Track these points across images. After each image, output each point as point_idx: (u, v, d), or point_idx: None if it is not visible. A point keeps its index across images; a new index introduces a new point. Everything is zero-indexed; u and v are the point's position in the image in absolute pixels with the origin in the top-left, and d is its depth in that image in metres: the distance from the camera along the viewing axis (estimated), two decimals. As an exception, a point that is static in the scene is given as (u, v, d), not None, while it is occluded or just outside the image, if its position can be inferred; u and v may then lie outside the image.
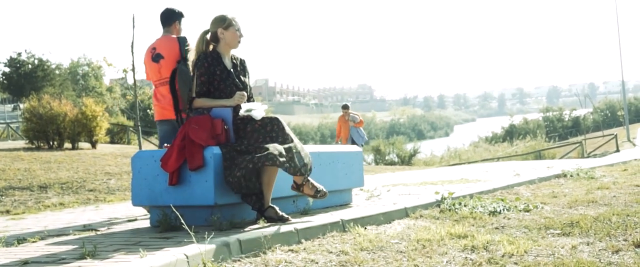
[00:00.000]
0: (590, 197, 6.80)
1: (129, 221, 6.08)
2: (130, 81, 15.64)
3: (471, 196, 6.99)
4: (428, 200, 6.47)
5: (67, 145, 15.79)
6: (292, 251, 4.24)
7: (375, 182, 10.45)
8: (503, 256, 3.99)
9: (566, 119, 72.93)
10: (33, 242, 4.79)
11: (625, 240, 4.34)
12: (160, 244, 4.21)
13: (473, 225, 5.27)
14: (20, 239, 4.86)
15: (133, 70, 14.54)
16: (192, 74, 5.39)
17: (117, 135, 26.41)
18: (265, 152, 4.92)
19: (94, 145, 16.38)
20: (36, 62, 53.02)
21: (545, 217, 5.52)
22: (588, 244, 4.28)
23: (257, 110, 5.17)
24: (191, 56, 5.43)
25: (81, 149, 15.59)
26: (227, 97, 5.30)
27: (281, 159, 4.91)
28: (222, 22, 5.38)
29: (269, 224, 4.93)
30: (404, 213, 5.86)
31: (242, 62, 5.61)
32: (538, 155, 32.01)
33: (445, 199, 6.47)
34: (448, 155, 40.24)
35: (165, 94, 6.42)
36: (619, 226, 4.82)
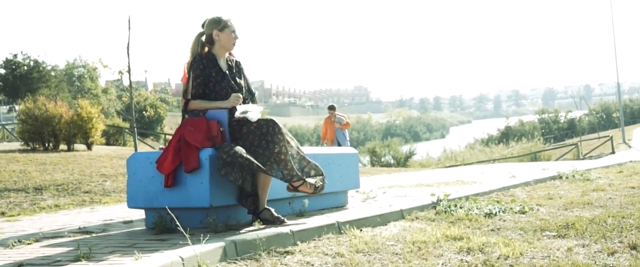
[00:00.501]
0: (586, 199, 6.81)
1: (125, 222, 6.07)
2: (126, 83, 15.66)
3: (467, 197, 7.00)
4: (424, 202, 6.48)
5: (63, 147, 15.77)
6: (287, 253, 4.23)
7: (371, 184, 10.45)
8: (499, 258, 3.99)
9: (562, 121, 73.07)
10: (28, 244, 4.78)
11: (620, 242, 4.34)
12: (156, 246, 4.20)
13: (469, 227, 5.28)
14: (15, 241, 4.84)
15: (129, 71, 14.55)
16: (186, 75, 5.39)
17: (112, 136, 26.40)
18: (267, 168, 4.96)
19: (89, 147, 16.36)
20: (32, 63, 52.93)
21: (541, 219, 5.52)
22: (584, 246, 4.28)
23: (253, 112, 5.17)
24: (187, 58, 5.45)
25: (77, 150, 15.57)
26: (223, 99, 5.30)
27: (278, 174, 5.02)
28: (217, 24, 5.37)
29: (264, 226, 4.93)
30: (400, 215, 5.86)
31: (238, 64, 5.61)
32: (534, 157, 32.08)
33: (441, 200, 6.47)
34: (444, 157, 40.29)
35: None
36: (615, 228, 4.83)
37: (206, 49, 5.43)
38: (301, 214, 5.71)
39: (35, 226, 6.18)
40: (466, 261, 3.95)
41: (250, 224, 5.03)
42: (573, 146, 34.59)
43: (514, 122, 66.14)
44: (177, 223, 4.50)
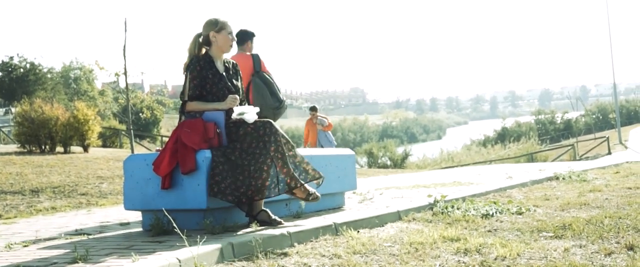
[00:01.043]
0: (583, 199, 6.81)
1: (121, 224, 6.06)
2: (123, 85, 15.68)
3: (464, 198, 7.00)
4: (421, 203, 6.48)
5: (59, 149, 15.74)
6: (284, 254, 4.23)
7: (368, 185, 10.45)
8: (496, 259, 3.99)
9: (558, 122, 73.11)
10: (25, 246, 4.77)
11: (617, 243, 4.35)
12: (153, 248, 4.20)
13: (466, 228, 5.28)
14: (12, 244, 4.84)
15: (125, 73, 14.59)
16: (184, 77, 5.39)
17: (109, 139, 26.38)
18: (259, 184, 4.95)
19: (86, 149, 16.33)
20: (28, 66, 52.81)
21: (538, 220, 5.53)
22: (580, 247, 4.29)
23: (250, 113, 5.17)
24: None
25: (73, 152, 15.54)
26: (220, 100, 5.30)
27: (273, 189, 5.04)
28: (214, 26, 5.38)
29: (261, 227, 4.93)
30: (397, 216, 5.87)
31: (235, 65, 5.62)
32: (530, 158, 32.13)
33: (437, 202, 6.47)
34: (441, 158, 40.32)
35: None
36: (612, 229, 4.83)
37: (203, 50, 5.43)
38: (298, 215, 5.72)
39: (32, 229, 6.17)
40: (463, 262, 3.96)
41: (247, 226, 5.03)
42: (569, 147, 34.65)
43: (510, 123, 66.19)
44: (174, 225, 4.50)
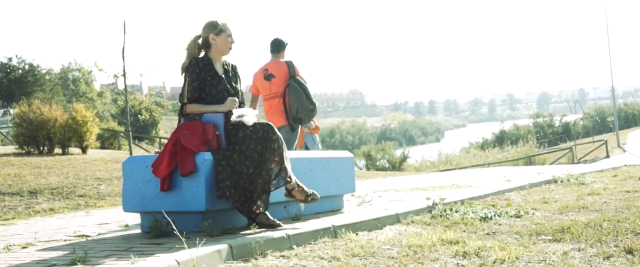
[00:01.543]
0: (581, 203, 6.82)
1: (120, 226, 6.06)
2: (121, 86, 15.66)
3: (462, 201, 7.00)
4: (419, 206, 6.48)
5: (58, 150, 15.73)
6: (283, 256, 4.24)
7: (367, 187, 10.45)
8: (494, 262, 3.99)
9: (556, 125, 73.16)
10: (23, 248, 4.77)
11: (616, 246, 4.35)
12: (152, 250, 4.20)
13: (464, 231, 5.28)
14: (11, 245, 4.83)
15: (124, 75, 14.56)
16: (183, 79, 5.40)
17: (107, 140, 26.35)
18: (259, 187, 5.00)
19: (84, 150, 16.32)
20: (26, 67, 52.81)
21: (536, 223, 5.53)
22: (579, 250, 4.29)
23: (249, 116, 5.17)
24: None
25: (71, 154, 15.54)
26: (219, 102, 5.30)
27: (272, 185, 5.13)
28: (214, 28, 5.38)
29: (260, 230, 4.93)
30: (396, 219, 5.87)
31: (234, 68, 5.62)
32: (528, 161, 32.14)
33: (436, 204, 6.47)
34: (439, 161, 40.34)
35: (274, 106, 7.96)
36: (610, 232, 4.83)
37: (203, 52, 5.44)
38: (297, 218, 5.72)
39: (31, 230, 6.17)
40: (462, 265, 3.96)
41: (246, 228, 5.03)
42: (568, 150, 34.66)
43: (508, 126, 66.23)
44: (173, 227, 4.50)
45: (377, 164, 32.52)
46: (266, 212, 5.13)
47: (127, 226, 6.09)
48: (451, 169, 26.18)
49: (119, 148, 25.60)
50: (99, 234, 5.48)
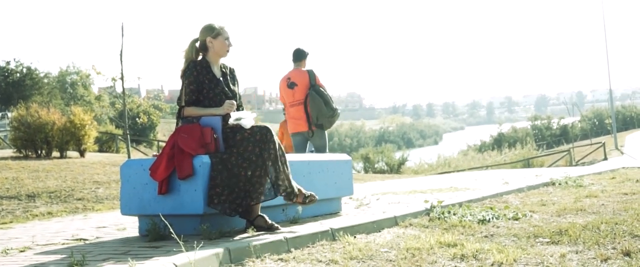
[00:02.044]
0: (579, 205, 6.82)
1: (118, 230, 6.06)
2: (119, 89, 15.64)
3: (460, 204, 7.01)
4: (417, 208, 6.48)
5: (56, 154, 15.72)
6: (281, 260, 4.23)
7: (365, 190, 10.45)
8: (492, 265, 4.00)
9: (554, 128, 73.11)
10: (21, 251, 4.76)
11: (614, 248, 4.35)
12: (149, 253, 4.20)
13: (462, 233, 5.28)
14: (9, 249, 4.83)
15: (122, 78, 14.54)
16: (181, 82, 5.40)
17: (105, 143, 26.30)
18: (256, 190, 5.00)
19: (82, 154, 16.31)
20: (24, 70, 52.84)
21: (534, 226, 5.53)
22: (577, 253, 4.29)
23: (247, 119, 5.17)
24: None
25: (69, 157, 15.52)
26: (217, 105, 5.30)
27: (269, 193, 5.14)
28: (211, 31, 5.38)
29: (258, 233, 4.93)
30: (394, 222, 5.87)
31: (232, 71, 5.62)
32: (527, 163, 32.11)
33: (434, 207, 6.47)
34: (437, 163, 40.31)
35: (297, 112, 8.68)
36: (608, 235, 4.84)
37: (200, 55, 5.44)
38: (295, 221, 5.72)
39: (28, 234, 6.16)
40: (460, 268, 3.96)
41: (244, 231, 5.03)
42: (566, 153, 34.64)
43: (506, 129, 66.18)
44: (171, 230, 4.50)
45: (376, 166, 32.46)
46: (264, 215, 5.13)
47: (124, 229, 6.09)
48: (449, 172, 26.16)
49: (117, 151, 25.56)
50: (97, 238, 5.48)
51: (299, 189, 5.23)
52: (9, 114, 40.71)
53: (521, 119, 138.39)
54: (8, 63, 52.83)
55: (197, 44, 5.43)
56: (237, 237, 4.71)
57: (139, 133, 43.78)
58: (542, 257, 4.15)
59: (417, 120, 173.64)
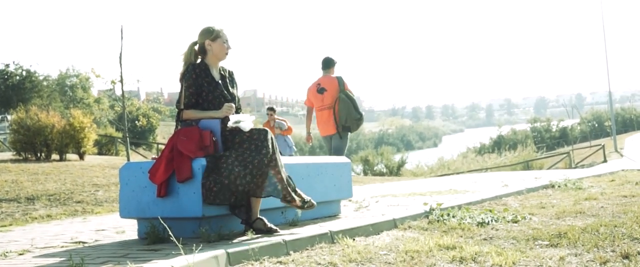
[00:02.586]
0: (578, 208, 6.82)
1: (117, 232, 6.05)
2: (119, 92, 15.63)
3: (459, 206, 7.00)
4: (416, 211, 6.48)
5: (55, 156, 15.71)
6: (280, 262, 4.23)
7: (364, 193, 10.45)
8: (491, 267, 4.00)
9: (554, 130, 73.06)
10: (20, 254, 4.76)
11: (613, 251, 4.35)
12: (148, 256, 4.20)
13: (461, 236, 5.28)
14: (8, 252, 4.83)
15: (121, 81, 14.53)
16: (180, 85, 5.40)
17: (105, 146, 26.31)
18: (256, 183, 4.99)
19: (81, 156, 16.30)
20: (24, 73, 52.85)
21: (533, 228, 5.53)
22: (576, 256, 4.29)
23: (246, 121, 5.18)
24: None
25: (69, 160, 15.51)
26: (216, 108, 5.31)
27: (268, 189, 5.10)
28: (210, 34, 5.39)
29: (257, 235, 4.93)
30: (393, 224, 5.87)
31: (231, 73, 5.63)
32: (526, 165, 32.12)
33: (433, 210, 6.47)
34: (437, 165, 40.31)
35: (326, 116, 9.38)
36: (607, 237, 4.84)
37: (199, 58, 5.44)
38: (294, 223, 5.71)
39: (27, 236, 6.16)
40: (459, 270, 3.96)
41: (243, 234, 5.03)
42: (565, 155, 34.64)
43: (506, 131, 66.18)
44: (170, 233, 4.50)
45: (375, 169, 32.45)
46: (263, 218, 5.13)
47: (123, 232, 6.09)
48: (449, 174, 26.16)
49: (117, 154, 25.57)
50: (96, 241, 5.48)
51: (298, 193, 5.23)
52: (9, 117, 40.74)
53: (520, 121, 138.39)
54: (7, 66, 52.86)
55: (196, 47, 5.43)
56: (236, 240, 4.71)
57: (139, 136, 43.77)
58: (541, 260, 4.15)
59: (417, 123, 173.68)
